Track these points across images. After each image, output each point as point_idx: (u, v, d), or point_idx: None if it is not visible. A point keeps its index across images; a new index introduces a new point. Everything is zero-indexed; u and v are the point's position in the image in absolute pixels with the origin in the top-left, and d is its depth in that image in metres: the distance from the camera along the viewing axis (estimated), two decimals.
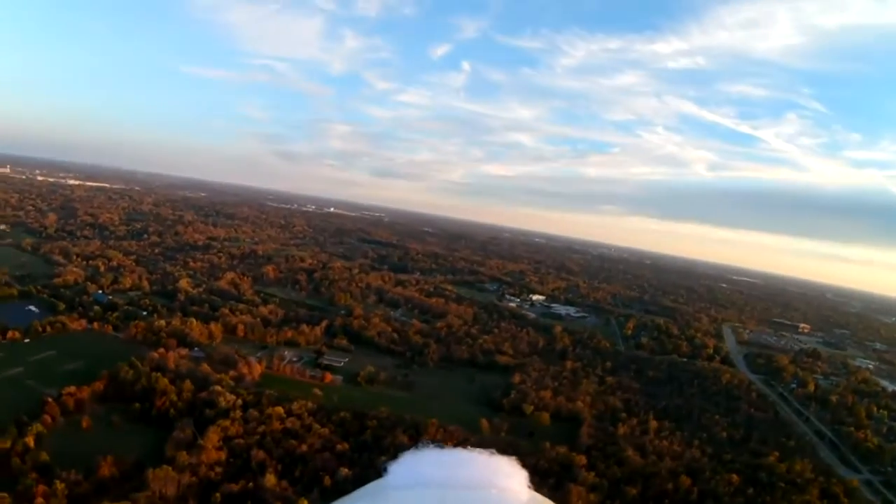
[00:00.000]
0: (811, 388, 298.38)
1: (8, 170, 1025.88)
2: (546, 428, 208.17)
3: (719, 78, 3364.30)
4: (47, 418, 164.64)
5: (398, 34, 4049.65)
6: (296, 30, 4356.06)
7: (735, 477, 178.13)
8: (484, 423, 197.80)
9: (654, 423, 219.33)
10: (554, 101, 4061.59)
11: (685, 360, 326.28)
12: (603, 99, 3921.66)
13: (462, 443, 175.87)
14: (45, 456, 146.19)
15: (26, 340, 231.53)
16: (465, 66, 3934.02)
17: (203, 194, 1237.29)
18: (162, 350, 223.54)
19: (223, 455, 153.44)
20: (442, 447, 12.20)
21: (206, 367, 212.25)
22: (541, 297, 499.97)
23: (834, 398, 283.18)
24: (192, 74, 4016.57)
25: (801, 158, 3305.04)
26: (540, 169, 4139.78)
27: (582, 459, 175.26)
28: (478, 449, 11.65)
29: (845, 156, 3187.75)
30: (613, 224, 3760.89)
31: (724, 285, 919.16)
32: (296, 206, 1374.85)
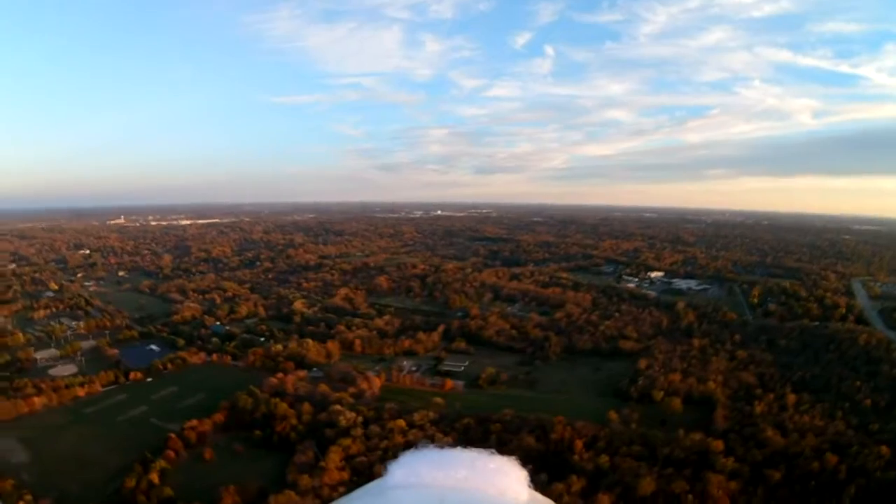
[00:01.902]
0: None
1: (122, 220, 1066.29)
2: (678, 414, 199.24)
3: (808, 19, 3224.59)
4: (170, 454, 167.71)
5: (477, 30, 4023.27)
6: (376, 43, 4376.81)
7: (884, 449, 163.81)
8: (612, 415, 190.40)
9: (791, 397, 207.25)
10: (643, 72, 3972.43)
11: (817, 323, 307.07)
12: (692, 61, 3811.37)
13: (592, 439, 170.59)
14: (168, 491, 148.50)
15: (149, 380, 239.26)
16: (549, 50, 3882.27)
17: (311, 216, 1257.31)
18: (280, 374, 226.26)
19: (346, 475, 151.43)
20: (441, 447, 11.77)
21: (324, 386, 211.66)
22: (659, 274, 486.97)
23: None
24: (282, 104, 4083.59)
25: None
26: (640, 143, 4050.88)
27: (719, 445, 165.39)
28: (477, 449, 11.39)
29: None
30: (723, 188, 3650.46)
31: (846, 237, 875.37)
32: (403, 214, 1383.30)
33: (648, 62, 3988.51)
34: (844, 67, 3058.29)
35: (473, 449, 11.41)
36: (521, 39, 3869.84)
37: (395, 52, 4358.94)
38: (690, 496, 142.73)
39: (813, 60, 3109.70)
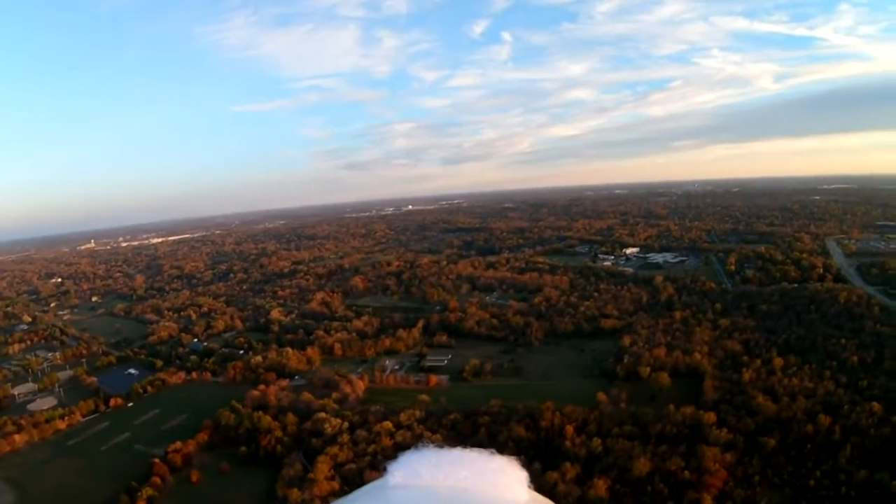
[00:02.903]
0: None
1: (93, 244, 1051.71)
2: (667, 389, 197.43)
3: None
4: (156, 480, 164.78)
5: (433, 23, 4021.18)
6: (333, 44, 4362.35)
7: (876, 405, 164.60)
8: (601, 396, 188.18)
9: (778, 361, 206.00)
10: (602, 50, 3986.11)
11: (796, 285, 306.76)
12: (650, 35, 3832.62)
13: (583, 423, 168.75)
14: None
15: (130, 405, 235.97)
16: (507, 36, 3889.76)
17: (282, 222, 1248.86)
18: (262, 387, 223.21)
19: (335, 485, 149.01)
20: (441, 447, 10.62)
21: (307, 395, 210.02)
22: (634, 250, 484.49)
23: None
24: (245, 112, 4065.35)
25: (864, 48, 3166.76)
26: (605, 120, 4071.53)
27: (711, 417, 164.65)
28: (477, 449, 10.33)
29: None
30: (691, 159, 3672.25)
31: (817, 197, 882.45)
32: (374, 212, 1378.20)
33: (607, 40, 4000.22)
34: (801, 30, 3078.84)
35: (473, 449, 10.50)
36: (478, 28, 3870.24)
37: (352, 50, 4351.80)
38: (686, 472, 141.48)
39: (769, 26, 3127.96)
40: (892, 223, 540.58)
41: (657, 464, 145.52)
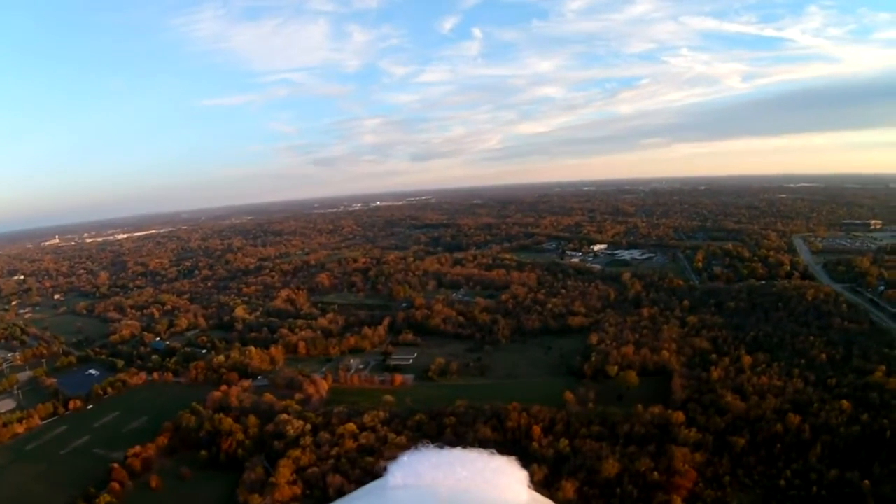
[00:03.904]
0: None
1: (57, 240, 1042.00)
2: (635, 387, 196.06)
3: None
4: (115, 485, 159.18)
5: (403, 18, 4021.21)
6: (303, 38, 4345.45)
7: (845, 403, 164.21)
8: (568, 395, 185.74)
9: (747, 359, 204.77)
10: (572, 48, 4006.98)
11: (763, 282, 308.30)
12: (620, 34, 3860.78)
13: (550, 423, 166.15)
14: None
15: (89, 407, 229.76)
16: (477, 32, 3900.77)
17: (249, 218, 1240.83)
18: (224, 387, 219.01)
19: (298, 489, 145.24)
20: (441, 447, 12.08)
21: (269, 396, 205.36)
22: (602, 246, 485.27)
23: None
24: (214, 106, 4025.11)
25: (832, 50, 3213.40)
26: (574, 118, 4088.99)
27: (679, 416, 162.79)
28: (477, 449, 11.59)
29: (877, 38, 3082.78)
30: (659, 156, 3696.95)
31: (783, 196, 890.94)
32: (342, 207, 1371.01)
33: (577, 37, 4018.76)
34: (770, 31, 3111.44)
35: (473, 449, 11.63)
36: (449, 24, 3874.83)
37: (322, 45, 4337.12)
38: (656, 473, 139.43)
39: (738, 26, 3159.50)
40: (857, 221, 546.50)
41: (626, 465, 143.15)
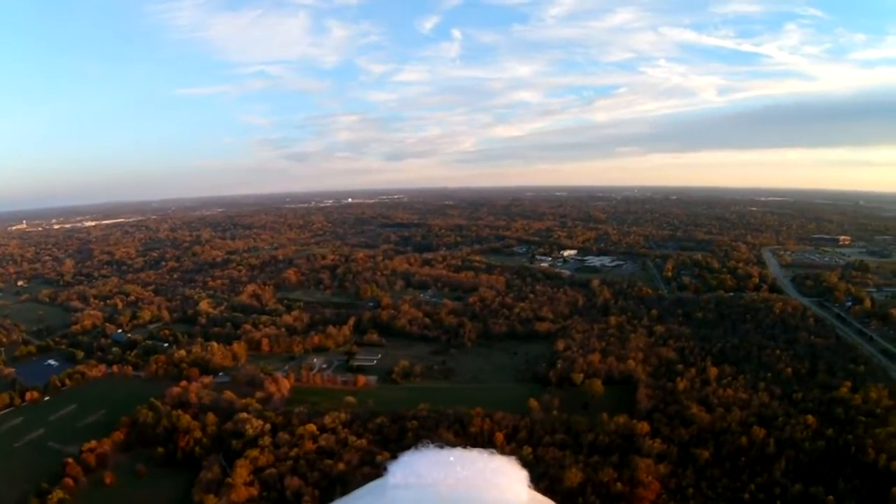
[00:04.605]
0: (867, 304, 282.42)
1: (24, 225, 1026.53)
2: (600, 396, 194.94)
3: (711, 1, 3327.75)
4: (69, 481, 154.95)
5: (384, 15, 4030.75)
6: (282, 31, 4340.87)
7: (810, 418, 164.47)
8: (533, 402, 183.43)
9: (713, 371, 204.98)
10: (551, 53, 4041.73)
11: (732, 294, 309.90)
12: (599, 41, 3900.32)
13: (513, 430, 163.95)
14: None
15: (46, 398, 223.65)
16: (457, 34, 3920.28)
17: (220, 210, 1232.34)
18: (184, 383, 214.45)
19: (255, 490, 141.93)
20: (441, 447, 12.15)
21: (229, 393, 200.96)
22: (572, 252, 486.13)
23: (894, 311, 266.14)
24: (188, 96, 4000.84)
25: (808, 68, 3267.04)
26: (549, 123, 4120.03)
27: (644, 427, 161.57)
28: (477, 449, 11.89)
29: (852, 58, 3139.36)
30: (632, 165, 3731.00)
31: (754, 209, 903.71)
32: (313, 203, 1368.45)
33: (556, 43, 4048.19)
34: (747, 46, 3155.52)
35: (473, 449, 11.95)
36: (429, 23, 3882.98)
37: (301, 39, 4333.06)
38: (619, 484, 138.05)
39: (716, 40, 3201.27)
40: (827, 236, 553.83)
41: (589, 474, 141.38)
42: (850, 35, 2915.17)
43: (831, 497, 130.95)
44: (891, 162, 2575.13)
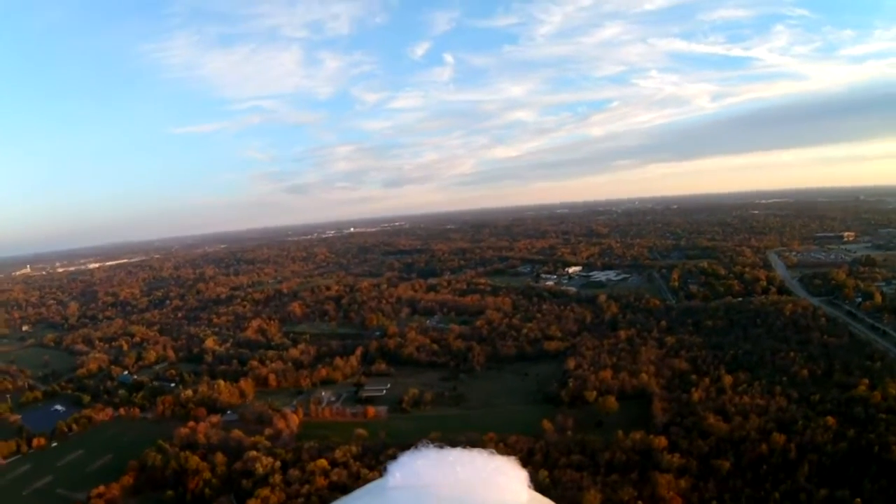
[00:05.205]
0: (878, 298, 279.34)
1: (28, 269, 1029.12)
2: (614, 413, 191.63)
3: (698, 8, 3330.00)
4: None
5: (375, 44, 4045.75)
6: (275, 64, 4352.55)
7: (830, 419, 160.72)
8: (546, 423, 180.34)
9: (727, 379, 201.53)
10: (543, 72, 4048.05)
11: (741, 299, 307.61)
12: (590, 57, 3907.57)
13: (528, 453, 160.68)
14: None
15: (54, 444, 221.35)
16: (448, 58, 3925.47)
17: (222, 246, 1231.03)
18: (192, 423, 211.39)
19: None
20: (441, 447, 11.92)
21: (238, 432, 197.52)
22: (577, 268, 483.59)
23: None
24: (186, 134, 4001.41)
25: (798, 68, 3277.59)
26: (546, 141, 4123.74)
27: (661, 441, 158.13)
28: (477, 449, 11.51)
29: (842, 55, 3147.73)
30: (631, 177, 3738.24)
31: (755, 212, 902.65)
32: (316, 235, 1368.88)
33: (547, 62, 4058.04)
34: (737, 51, 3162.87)
35: (473, 449, 11.53)
36: (420, 49, 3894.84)
37: (294, 71, 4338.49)
38: (640, 502, 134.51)
39: (706, 47, 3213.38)
40: (831, 234, 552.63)
41: (608, 495, 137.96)
42: (838, 32, 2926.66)
43: (858, 500, 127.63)
44: (887, 155, 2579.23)
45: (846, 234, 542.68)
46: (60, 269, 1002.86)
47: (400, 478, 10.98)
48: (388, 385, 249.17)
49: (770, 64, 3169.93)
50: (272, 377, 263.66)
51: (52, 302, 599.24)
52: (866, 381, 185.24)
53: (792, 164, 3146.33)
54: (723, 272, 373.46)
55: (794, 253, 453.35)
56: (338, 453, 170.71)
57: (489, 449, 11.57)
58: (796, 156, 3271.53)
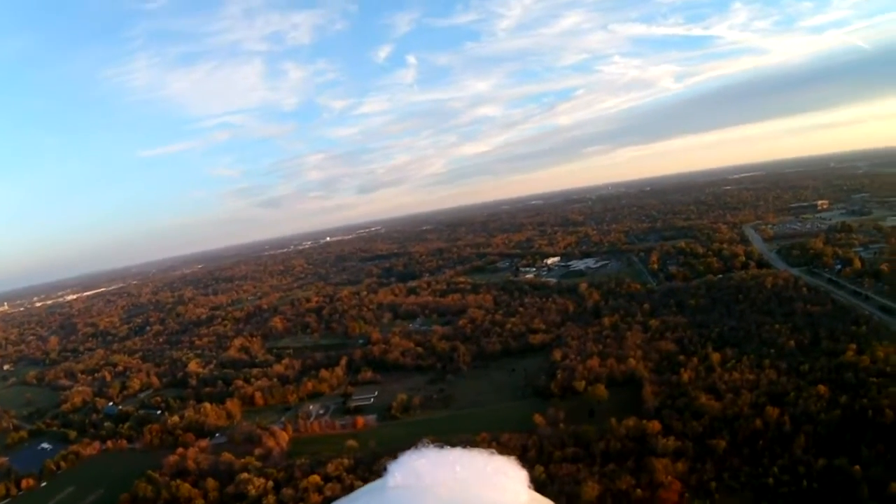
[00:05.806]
0: (857, 264, 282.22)
1: (5, 307, 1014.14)
2: (605, 401, 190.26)
3: None
4: None
5: (337, 51, 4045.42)
6: (239, 79, 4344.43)
7: (822, 388, 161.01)
8: (537, 418, 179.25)
9: (715, 356, 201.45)
10: (506, 66, 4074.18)
11: (721, 276, 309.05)
12: (552, 48, 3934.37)
13: (522, 450, 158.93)
14: None
15: (43, 484, 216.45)
16: (411, 59, 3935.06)
17: (200, 266, 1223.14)
18: (180, 450, 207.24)
19: None
20: (441, 447, 11.21)
21: (227, 454, 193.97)
22: (555, 259, 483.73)
23: (884, 266, 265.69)
24: (153, 156, 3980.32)
25: (759, 42, 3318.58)
26: (514, 134, 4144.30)
27: (655, 426, 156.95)
28: (477, 448, 11.07)
29: (801, 26, 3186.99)
30: (602, 163, 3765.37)
31: (728, 188, 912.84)
32: (292, 247, 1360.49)
33: (510, 56, 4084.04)
34: (697, 30, 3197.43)
35: (473, 449, 11.06)
36: (383, 53, 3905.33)
37: (259, 85, 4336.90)
38: (639, 490, 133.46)
39: (666, 29, 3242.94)
40: (805, 204, 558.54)
41: (606, 485, 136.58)
42: (797, 4, 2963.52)
43: (857, 467, 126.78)
44: (854, 120, 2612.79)
45: (820, 202, 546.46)
46: (38, 304, 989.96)
47: (400, 478, 10.29)
48: (376, 393, 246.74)
49: (731, 41, 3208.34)
50: (258, 395, 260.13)
51: (31, 338, 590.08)
52: (854, 346, 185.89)
53: (761, 137, 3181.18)
54: (701, 251, 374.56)
55: (769, 226, 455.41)
56: (330, 467, 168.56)
57: (489, 449, 10.97)
58: (764, 129, 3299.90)
